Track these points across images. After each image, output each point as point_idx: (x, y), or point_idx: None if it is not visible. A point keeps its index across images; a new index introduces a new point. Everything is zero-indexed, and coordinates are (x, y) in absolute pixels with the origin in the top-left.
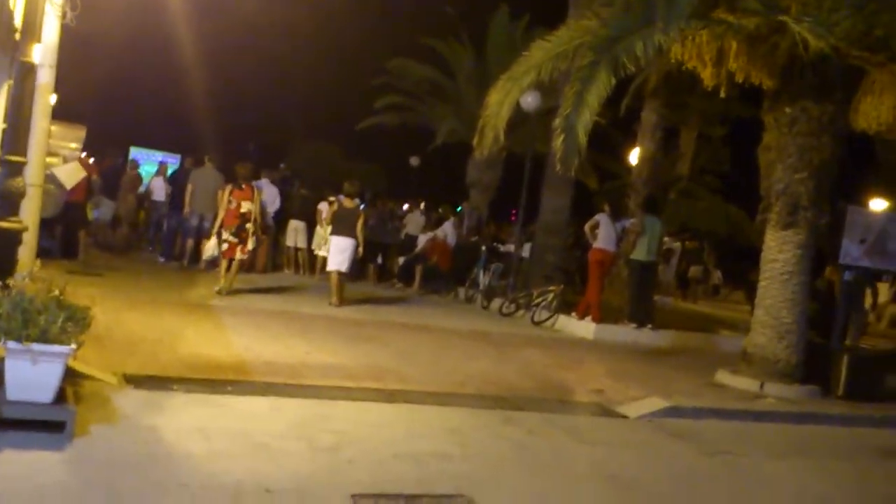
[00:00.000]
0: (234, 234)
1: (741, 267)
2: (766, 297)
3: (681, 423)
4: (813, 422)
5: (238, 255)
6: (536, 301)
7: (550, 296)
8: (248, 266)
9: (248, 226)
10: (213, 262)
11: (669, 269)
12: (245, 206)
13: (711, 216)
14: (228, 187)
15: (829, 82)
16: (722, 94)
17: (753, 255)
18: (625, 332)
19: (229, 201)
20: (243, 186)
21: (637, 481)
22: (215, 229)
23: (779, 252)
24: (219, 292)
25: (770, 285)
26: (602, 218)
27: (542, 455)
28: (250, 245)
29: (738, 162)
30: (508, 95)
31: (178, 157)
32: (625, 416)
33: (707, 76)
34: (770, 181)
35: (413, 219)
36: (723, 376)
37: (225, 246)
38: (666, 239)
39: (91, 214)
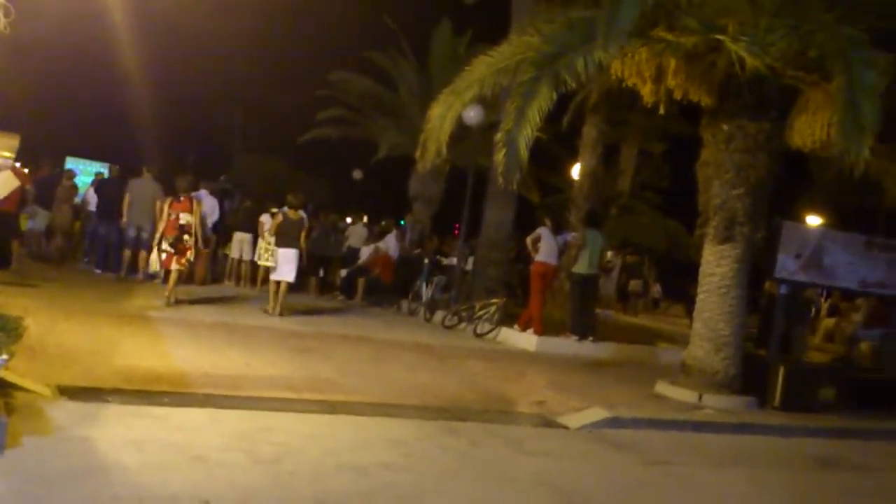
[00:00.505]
0: (172, 245)
1: (680, 281)
2: (705, 310)
3: (621, 433)
4: (750, 432)
5: (174, 266)
6: (479, 314)
7: (493, 308)
8: (187, 277)
9: (187, 237)
10: (152, 274)
11: (610, 282)
12: (184, 218)
13: (652, 231)
14: (168, 199)
15: (765, 101)
16: (661, 111)
17: (692, 270)
18: (566, 345)
19: (169, 213)
20: (182, 198)
21: (578, 491)
22: (156, 241)
23: (716, 266)
24: (166, 304)
25: (708, 298)
26: (544, 232)
27: (485, 465)
28: (189, 256)
29: (678, 178)
30: (451, 109)
31: (115, 166)
32: (566, 427)
33: (647, 93)
34: (708, 196)
35: (355, 231)
36: (662, 388)
37: (163, 256)
38: (608, 253)
39: (25, 224)
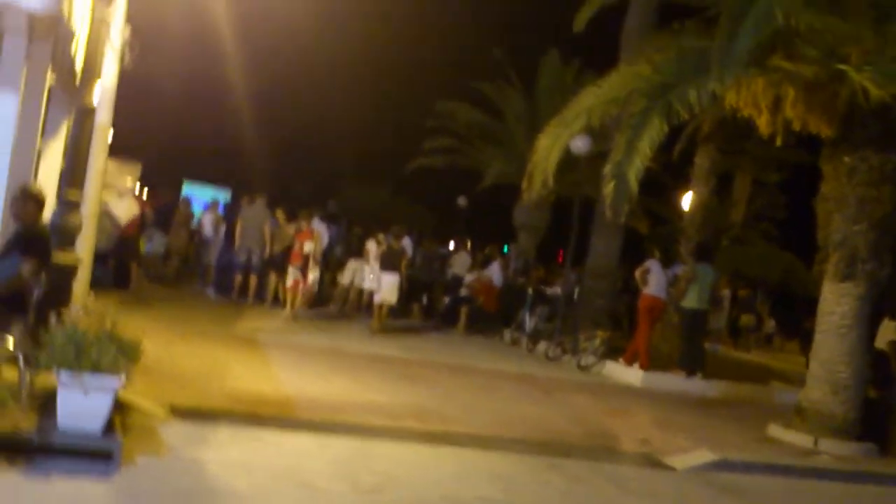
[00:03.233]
0: (300, 270)
1: (796, 316)
2: (822, 351)
3: (730, 477)
4: (869, 481)
5: (301, 288)
6: (583, 346)
7: (597, 341)
8: (310, 298)
9: (310, 262)
10: (261, 297)
11: (721, 315)
12: (307, 247)
13: (766, 263)
14: (294, 232)
15: (891, 131)
16: (778, 143)
17: (809, 304)
18: (674, 381)
19: (293, 243)
20: (304, 229)
21: None
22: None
23: (836, 305)
24: (290, 318)
25: (826, 338)
26: (653, 264)
27: None
28: (310, 279)
29: (795, 208)
30: (558, 140)
31: (229, 190)
32: (672, 468)
33: (763, 124)
34: (827, 231)
35: (459, 259)
36: (775, 430)
37: (290, 281)
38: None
39: (144, 247)
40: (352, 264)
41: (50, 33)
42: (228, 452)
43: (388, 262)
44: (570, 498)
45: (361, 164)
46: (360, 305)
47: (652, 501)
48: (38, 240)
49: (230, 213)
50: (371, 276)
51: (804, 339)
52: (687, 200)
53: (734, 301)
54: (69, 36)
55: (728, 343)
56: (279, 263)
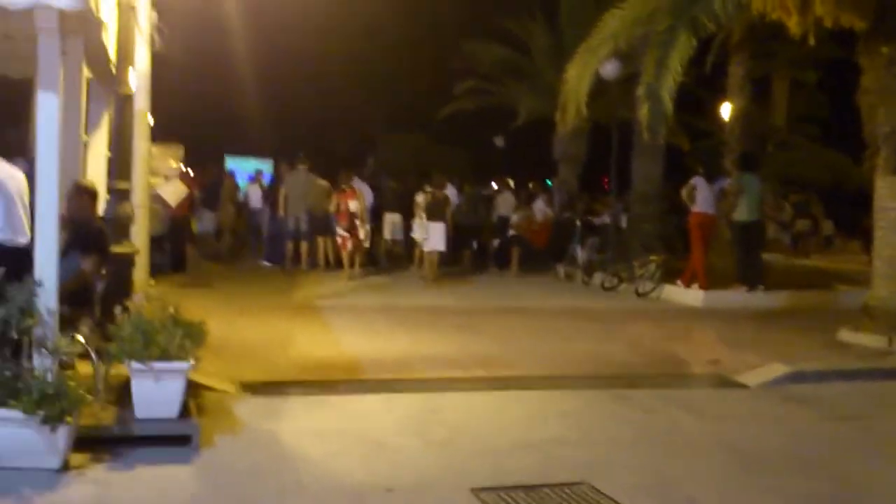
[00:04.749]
0: (347, 230)
1: (854, 215)
2: (885, 248)
3: (805, 388)
4: None
5: (351, 246)
6: (639, 273)
7: (652, 266)
8: (349, 262)
9: (357, 221)
10: (313, 262)
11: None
12: (352, 206)
13: (814, 165)
14: (336, 193)
15: None
16: (811, 42)
17: (865, 202)
18: (735, 297)
19: (338, 203)
20: (346, 190)
21: (764, 453)
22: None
23: (891, 199)
24: (350, 279)
25: (886, 234)
26: (698, 181)
27: (662, 433)
28: (361, 235)
29: (837, 106)
30: (587, 67)
31: (271, 161)
32: (745, 386)
33: (793, 25)
34: (873, 125)
35: (504, 199)
36: (846, 334)
37: (340, 240)
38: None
39: (196, 227)
40: (388, 217)
41: (81, 28)
42: (300, 421)
43: (434, 211)
44: (643, 429)
45: (393, 114)
46: (411, 258)
47: (728, 422)
48: (96, 234)
49: (273, 183)
50: (419, 226)
51: (864, 237)
52: (726, 111)
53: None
54: (100, 27)
55: (787, 251)
56: (324, 227)
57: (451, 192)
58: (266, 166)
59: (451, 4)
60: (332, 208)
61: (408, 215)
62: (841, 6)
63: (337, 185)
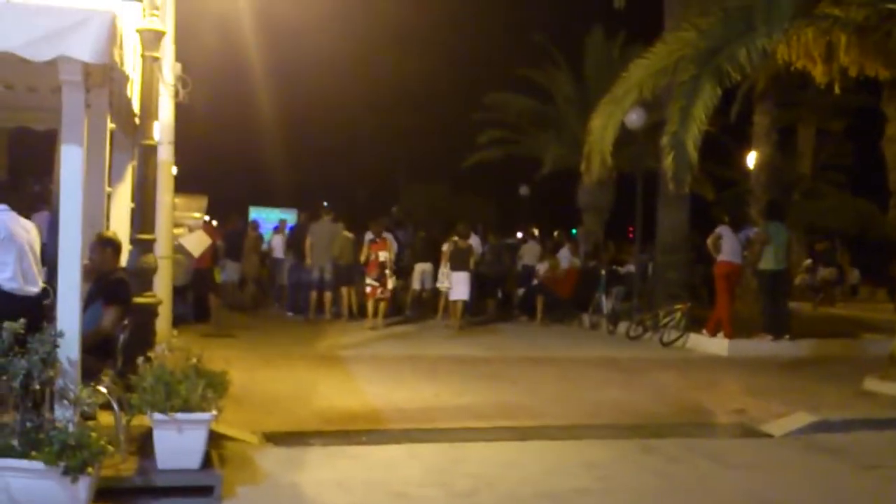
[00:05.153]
0: (376, 280)
1: (880, 263)
2: None
3: (831, 437)
4: None
5: (379, 295)
6: (664, 321)
7: (678, 314)
8: (373, 312)
9: (386, 271)
10: (338, 312)
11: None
12: (382, 256)
13: (840, 213)
14: (367, 242)
15: None
16: (836, 90)
17: (891, 249)
18: (760, 346)
19: (369, 254)
20: (378, 240)
21: None
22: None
23: None
24: (372, 328)
25: None
26: (724, 230)
27: (687, 484)
28: (389, 285)
29: (863, 154)
30: (612, 118)
31: (295, 210)
32: (770, 436)
33: (818, 73)
34: None
35: (529, 248)
36: (872, 383)
37: (369, 289)
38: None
39: (219, 277)
40: (419, 267)
41: (105, 80)
42: (323, 472)
43: (457, 260)
44: (668, 479)
45: (417, 164)
46: (436, 308)
47: (753, 472)
48: (118, 286)
49: (296, 232)
50: (444, 276)
51: (892, 285)
52: (751, 160)
53: (812, 256)
54: (123, 80)
55: (812, 299)
56: (348, 277)
57: (475, 241)
58: (290, 216)
59: (475, 55)
60: (362, 258)
61: (437, 264)
62: (865, 55)
63: (360, 234)
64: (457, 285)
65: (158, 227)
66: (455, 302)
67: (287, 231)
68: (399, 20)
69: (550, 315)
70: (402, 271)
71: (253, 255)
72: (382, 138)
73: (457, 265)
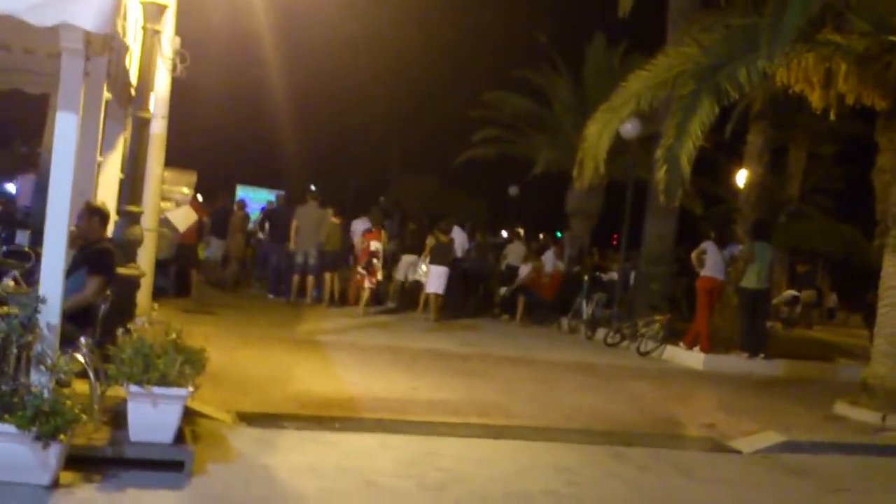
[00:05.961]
0: (365, 268)
1: (859, 289)
2: (887, 326)
3: (798, 458)
4: None
5: (367, 284)
6: (642, 331)
7: (657, 325)
8: (354, 300)
9: (375, 261)
10: (318, 297)
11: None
12: (374, 245)
13: (824, 237)
14: (362, 231)
15: None
16: (832, 117)
17: (872, 277)
18: (736, 362)
19: (363, 242)
20: (373, 230)
21: None
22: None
23: None
24: (356, 316)
25: (890, 312)
26: (709, 245)
27: (655, 493)
28: (378, 276)
29: (852, 180)
30: (607, 126)
31: (283, 193)
32: (738, 452)
33: (815, 99)
34: (886, 204)
35: (514, 249)
36: (842, 408)
37: (359, 278)
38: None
39: (203, 254)
40: (407, 258)
41: (105, 50)
42: (296, 456)
43: (437, 255)
44: (636, 487)
45: (409, 156)
46: (418, 301)
47: (720, 487)
48: (103, 255)
49: (275, 215)
50: (422, 269)
51: (868, 312)
52: (741, 178)
53: (793, 277)
54: (123, 50)
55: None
56: (333, 263)
57: (459, 236)
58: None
59: (475, 53)
60: (358, 246)
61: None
62: (863, 84)
63: (347, 221)
64: (433, 279)
65: (146, 200)
66: (432, 295)
67: (259, 211)
68: (400, 11)
69: (531, 316)
70: (387, 261)
71: (238, 234)
72: (378, 128)
73: (436, 259)
